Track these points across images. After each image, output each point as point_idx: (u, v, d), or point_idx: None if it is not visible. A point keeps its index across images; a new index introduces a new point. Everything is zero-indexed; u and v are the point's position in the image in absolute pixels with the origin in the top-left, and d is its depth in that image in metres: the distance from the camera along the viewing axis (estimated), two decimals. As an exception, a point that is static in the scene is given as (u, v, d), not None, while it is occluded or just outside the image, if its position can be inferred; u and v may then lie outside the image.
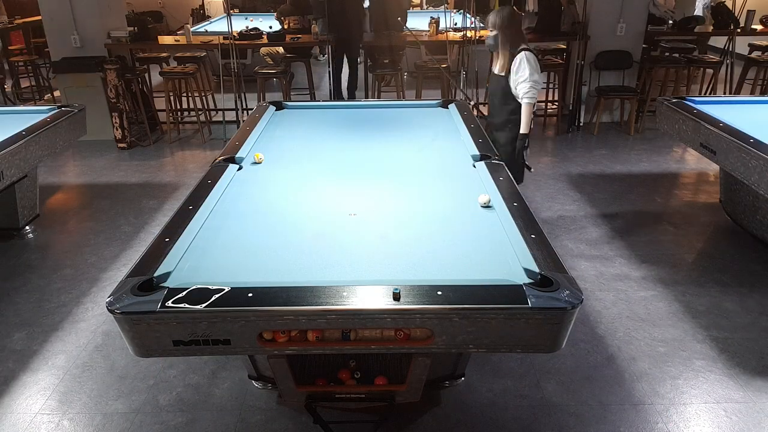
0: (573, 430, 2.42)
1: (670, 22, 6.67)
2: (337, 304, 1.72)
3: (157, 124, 6.48)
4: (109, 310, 1.72)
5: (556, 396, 2.60)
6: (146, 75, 6.43)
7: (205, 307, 1.70)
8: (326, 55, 8.58)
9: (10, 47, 8.09)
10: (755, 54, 7.11)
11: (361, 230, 2.25)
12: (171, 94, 6.24)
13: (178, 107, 6.61)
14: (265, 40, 6.27)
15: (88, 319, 3.18)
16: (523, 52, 3.32)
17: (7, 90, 7.64)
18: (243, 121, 5.00)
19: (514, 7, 3.48)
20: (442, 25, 6.51)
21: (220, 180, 2.69)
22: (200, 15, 10.39)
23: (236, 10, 9.67)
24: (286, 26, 6.81)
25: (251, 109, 4.31)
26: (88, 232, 4.20)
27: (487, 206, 2.43)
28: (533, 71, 3.30)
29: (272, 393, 2.59)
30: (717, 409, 2.49)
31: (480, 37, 6.20)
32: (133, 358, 2.66)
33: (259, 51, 7.28)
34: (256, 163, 2.97)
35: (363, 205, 2.47)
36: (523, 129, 3.44)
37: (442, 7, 7.65)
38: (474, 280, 1.85)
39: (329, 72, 6.38)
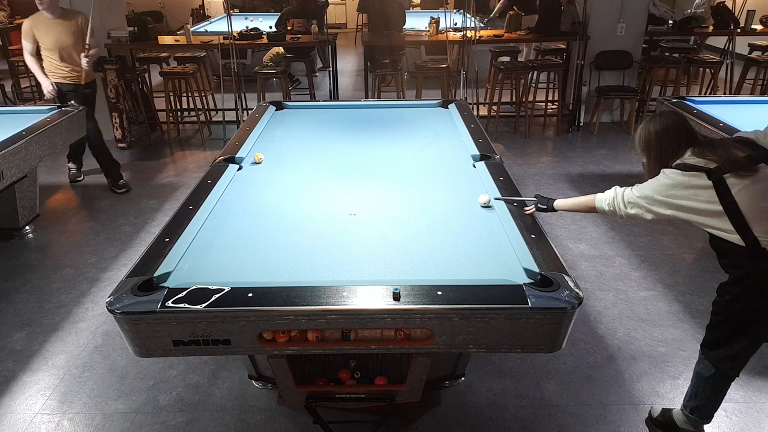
0: (573, 430, 2.42)
1: (670, 22, 6.68)
2: (337, 304, 1.72)
3: (157, 124, 6.48)
4: (109, 310, 1.72)
5: (556, 396, 2.60)
6: (146, 75, 6.43)
7: (205, 307, 1.70)
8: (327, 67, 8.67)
9: (10, 47, 8.08)
10: (755, 54, 7.11)
11: (361, 230, 2.25)
12: (171, 94, 6.24)
13: (178, 107, 6.60)
14: (265, 40, 6.27)
15: (88, 319, 3.18)
16: (665, 171, 1.99)
17: (6, 90, 7.64)
18: (243, 121, 5.00)
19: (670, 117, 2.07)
20: (442, 25, 6.51)
21: (220, 180, 2.70)
22: (200, 15, 10.39)
23: (236, 10, 9.67)
24: (289, 27, 6.81)
25: (251, 109, 4.31)
26: (88, 232, 4.20)
27: (486, 206, 2.43)
28: (657, 193, 1.97)
29: (272, 393, 2.59)
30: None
31: (480, 37, 6.21)
32: (133, 358, 2.67)
33: (263, 60, 7.32)
34: (256, 163, 2.97)
35: (363, 205, 2.47)
36: (560, 203, 2.33)
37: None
38: (474, 280, 1.85)
39: (329, 72, 6.38)
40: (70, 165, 5.15)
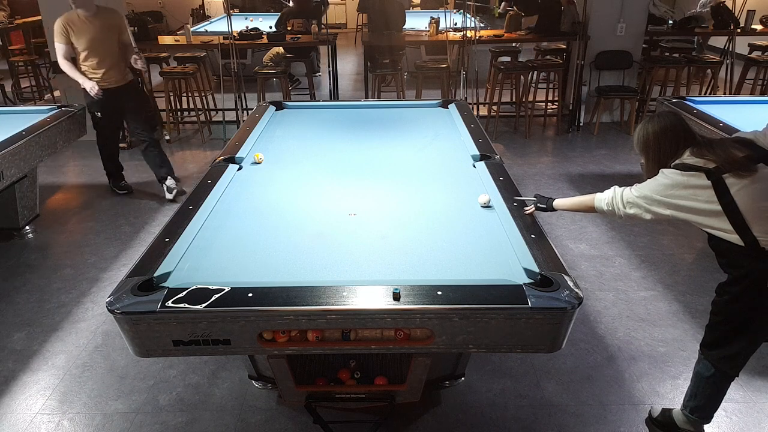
0: (573, 430, 2.42)
1: (670, 22, 6.68)
2: (337, 304, 1.72)
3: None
4: (109, 310, 1.72)
5: (556, 396, 2.60)
6: (146, 75, 6.43)
7: (205, 307, 1.70)
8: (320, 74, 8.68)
9: (10, 47, 8.08)
10: (755, 54, 7.10)
11: (361, 230, 2.25)
12: (171, 94, 6.24)
13: (178, 107, 6.60)
14: (265, 40, 6.27)
15: (88, 319, 3.18)
16: (664, 171, 1.98)
17: (6, 90, 7.63)
18: (243, 121, 5.00)
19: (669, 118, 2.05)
20: (442, 25, 6.51)
21: (220, 180, 2.70)
22: (200, 15, 10.39)
23: (236, 10, 9.67)
24: (289, 27, 6.81)
25: (251, 109, 4.31)
26: (88, 232, 4.20)
27: (487, 206, 2.43)
28: (655, 193, 1.96)
29: (272, 393, 2.59)
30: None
31: (480, 37, 6.20)
32: (133, 358, 2.66)
33: (263, 60, 7.33)
34: (256, 163, 2.97)
35: (363, 205, 2.47)
36: (559, 203, 2.33)
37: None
38: (474, 280, 1.85)
39: (329, 72, 6.38)
40: (168, 183, 4.67)
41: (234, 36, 6.04)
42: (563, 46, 6.81)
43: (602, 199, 2.13)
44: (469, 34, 6.16)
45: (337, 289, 1.77)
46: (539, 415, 2.50)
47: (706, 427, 2.32)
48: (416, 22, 7.47)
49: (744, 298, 1.98)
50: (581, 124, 6.45)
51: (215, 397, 2.62)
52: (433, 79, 6.66)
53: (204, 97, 6.43)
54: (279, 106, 4.06)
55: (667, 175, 1.94)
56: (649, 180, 2.01)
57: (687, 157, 1.94)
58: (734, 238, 1.89)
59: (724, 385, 2.17)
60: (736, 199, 1.84)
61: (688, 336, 2.97)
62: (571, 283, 1.79)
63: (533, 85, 6.65)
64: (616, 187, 2.11)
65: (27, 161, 3.66)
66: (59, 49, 4.18)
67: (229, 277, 1.90)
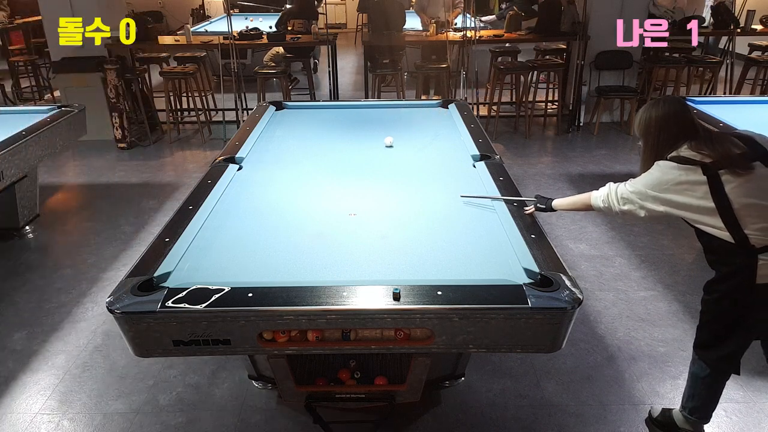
0: (573, 430, 2.42)
1: (670, 22, 6.67)
2: (337, 304, 1.72)
3: (157, 124, 6.48)
4: (109, 310, 1.72)
5: (556, 396, 2.60)
6: (146, 75, 6.43)
7: (205, 307, 1.70)
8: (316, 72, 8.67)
9: (10, 47, 8.08)
10: (755, 54, 7.10)
11: (361, 230, 2.25)
12: (171, 94, 6.24)
13: (178, 107, 6.60)
14: (265, 40, 6.27)
15: (88, 319, 3.18)
16: (659, 163, 1.97)
17: (6, 90, 7.64)
18: (243, 121, 5.00)
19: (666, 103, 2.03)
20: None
21: (220, 180, 2.70)
22: (200, 15, 10.38)
23: (236, 10, 9.67)
24: (290, 28, 6.81)
25: (251, 109, 4.31)
26: (88, 232, 4.20)
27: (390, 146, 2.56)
28: (649, 188, 1.96)
29: (272, 393, 2.59)
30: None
31: (480, 37, 6.20)
32: (133, 358, 2.65)
33: (263, 60, 7.34)
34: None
35: (363, 205, 2.47)
36: (558, 203, 2.32)
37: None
38: (474, 280, 1.85)
39: (329, 72, 6.38)
40: None
41: (234, 36, 6.04)
42: (563, 46, 6.81)
43: (598, 196, 2.13)
44: (469, 34, 6.16)
45: (337, 289, 1.77)
46: (539, 415, 2.50)
47: (705, 426, 2.32)
48: (416, 22, 7.46)
49: (734, 295, 1.97)
50: (581, 124, 6.45)
51: (215, 397, 2.62)
52: (433, 79, 6.66)
53: (204, 97, 6.43)
54: (279, 106, 4.06)
55: (662, 168, 1.93)
56: (643, 174, 2.00)
57: (684, 151, 1.93)
58: (725, 235, 1.87)
59: (721, 385, 2.17)
60: (730, 197, 1.83)
61: (688, 336, 2.96)
62: (570, 284, 1.79)
63: (533, 85, 6.65)
64: (611, 183, 2.11)
65: (27, 161, 3.66)
66: None
67: (229, 277, 1.90)
